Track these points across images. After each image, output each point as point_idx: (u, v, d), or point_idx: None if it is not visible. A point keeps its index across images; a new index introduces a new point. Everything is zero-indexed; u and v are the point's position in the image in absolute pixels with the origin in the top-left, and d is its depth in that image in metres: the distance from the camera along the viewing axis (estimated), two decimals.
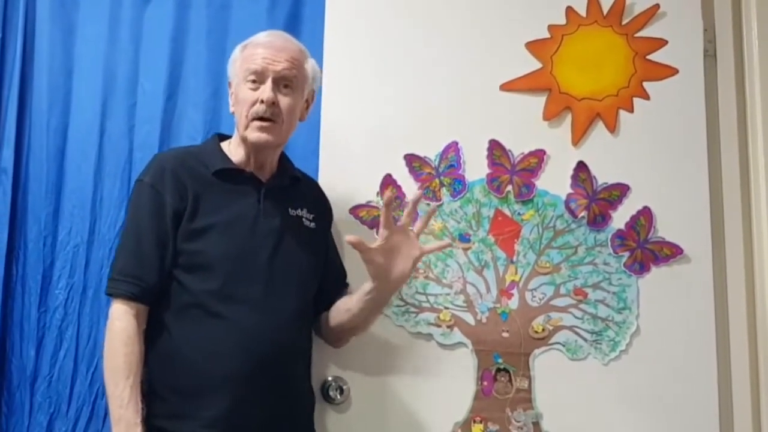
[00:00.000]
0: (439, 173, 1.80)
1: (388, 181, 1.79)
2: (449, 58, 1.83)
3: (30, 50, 1.88)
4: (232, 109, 1.60)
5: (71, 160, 1.86)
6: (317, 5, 1.86)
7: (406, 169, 1.80)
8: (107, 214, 1.82)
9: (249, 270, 1.51)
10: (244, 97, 1.54)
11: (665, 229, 1.79)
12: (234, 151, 1.60)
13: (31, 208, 1.84)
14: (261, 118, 1.53)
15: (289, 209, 1.60)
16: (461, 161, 1.81)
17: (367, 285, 1.55)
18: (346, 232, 1.74)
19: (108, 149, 1.86)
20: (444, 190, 1.80)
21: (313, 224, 1.64)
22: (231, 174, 1.56)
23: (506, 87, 1.83)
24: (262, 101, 1.52)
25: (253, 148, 1.57)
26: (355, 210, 1.78)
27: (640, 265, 1.78)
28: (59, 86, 1.88)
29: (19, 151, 1.85)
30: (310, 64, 1.61)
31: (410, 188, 1.79)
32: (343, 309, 1.61)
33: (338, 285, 1.68)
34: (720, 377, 1.76)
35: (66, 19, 1.90)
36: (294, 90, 1.56)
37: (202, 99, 1.89)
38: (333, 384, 1.71)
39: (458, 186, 1.80)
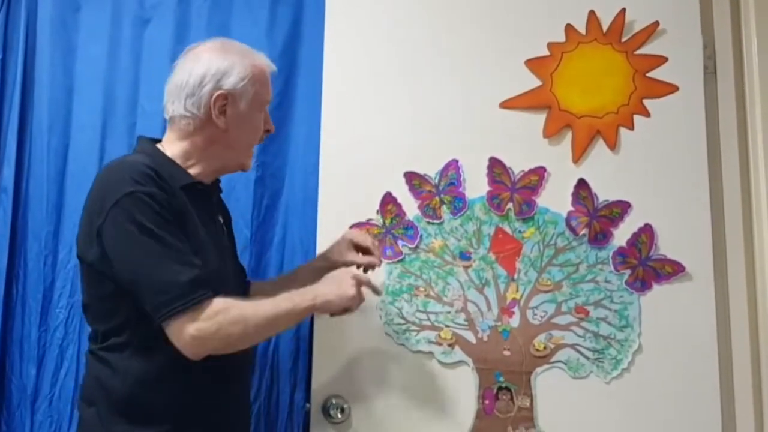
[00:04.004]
0: (440, 191, 1.80)
1: (388, 199, 1.79)
2: (449, 76, 1.83)
3: (30, 70, 1.89)
4: (224, 126, 1.46)
5: (71, 179, 1.87)
6: (316, 26, 1.86)
7: (406, 187, 1.80)
8: None
9: (225, 289, 1.38)
10: (257, 126, 1.54)
11: (667, 247, 1.78)
12: (188, 164, 1.48)
13: (31, 227, 1.85)
14: None
15: (220, 218, 1.59)
16: (461, 179, 1.80)
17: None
18: None
19: None
20: (444, 208, 1.80)
21: (226, 230, 1.63)
22: (193, 188, 1.46)
23: (506, 105, 1.82)
24: (267, 131, 1.56)
25: (228, 172, 1.58)
26: (355, 228, 1.77)
27: (641, 283, 1.78)
28: (60, 106, 1.89)
29: (20, 170, 1.87)
30: None
31: (410, 206, 1.79)
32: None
33: None
34: (723, 395, 1.75)
35: (66, 40, 1.91)
36: None
37: None
38: (333, 403, 1.70)
39: (459, 204, 1.80)
